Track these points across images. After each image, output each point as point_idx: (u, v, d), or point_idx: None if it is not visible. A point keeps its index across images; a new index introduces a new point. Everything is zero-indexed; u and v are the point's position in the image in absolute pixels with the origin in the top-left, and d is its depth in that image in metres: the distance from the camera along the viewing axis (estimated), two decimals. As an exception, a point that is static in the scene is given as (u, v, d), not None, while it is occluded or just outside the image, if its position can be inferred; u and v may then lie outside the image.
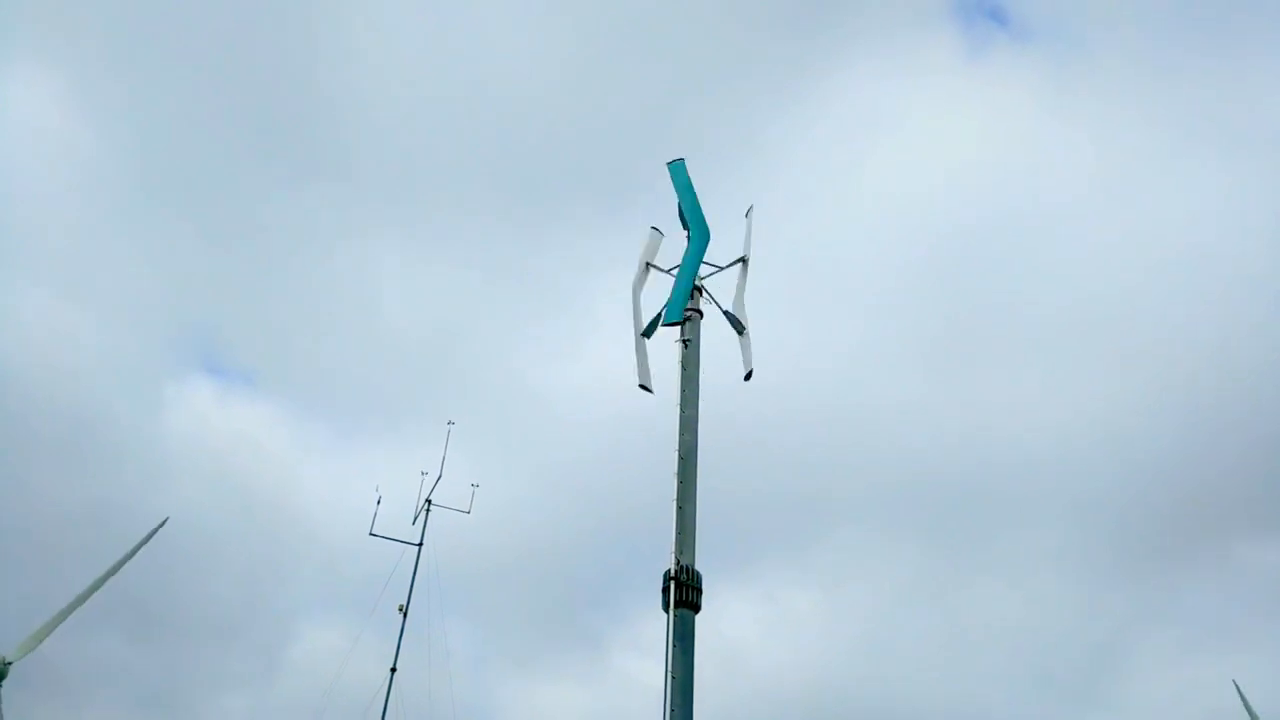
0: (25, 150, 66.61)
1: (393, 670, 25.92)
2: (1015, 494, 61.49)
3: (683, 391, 14.36)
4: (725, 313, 15.53)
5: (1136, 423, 59.54)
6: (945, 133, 74.22)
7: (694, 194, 16.13)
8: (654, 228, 16.58)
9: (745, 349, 15.19)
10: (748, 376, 15.05)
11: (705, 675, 12.47)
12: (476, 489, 29.72)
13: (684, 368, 14.61)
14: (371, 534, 28.22)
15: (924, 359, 66.30)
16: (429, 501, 29.19)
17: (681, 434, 13.91)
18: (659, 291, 15.94)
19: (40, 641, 24.51)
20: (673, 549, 12.93)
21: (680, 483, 13.43)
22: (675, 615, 12.50)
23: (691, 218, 15.92)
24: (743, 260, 16.00)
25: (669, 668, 12.21)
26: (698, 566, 12.95)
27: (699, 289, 15.65)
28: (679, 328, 14.99)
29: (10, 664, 23.37)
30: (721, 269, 15.96)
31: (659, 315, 15.41)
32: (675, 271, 15.82)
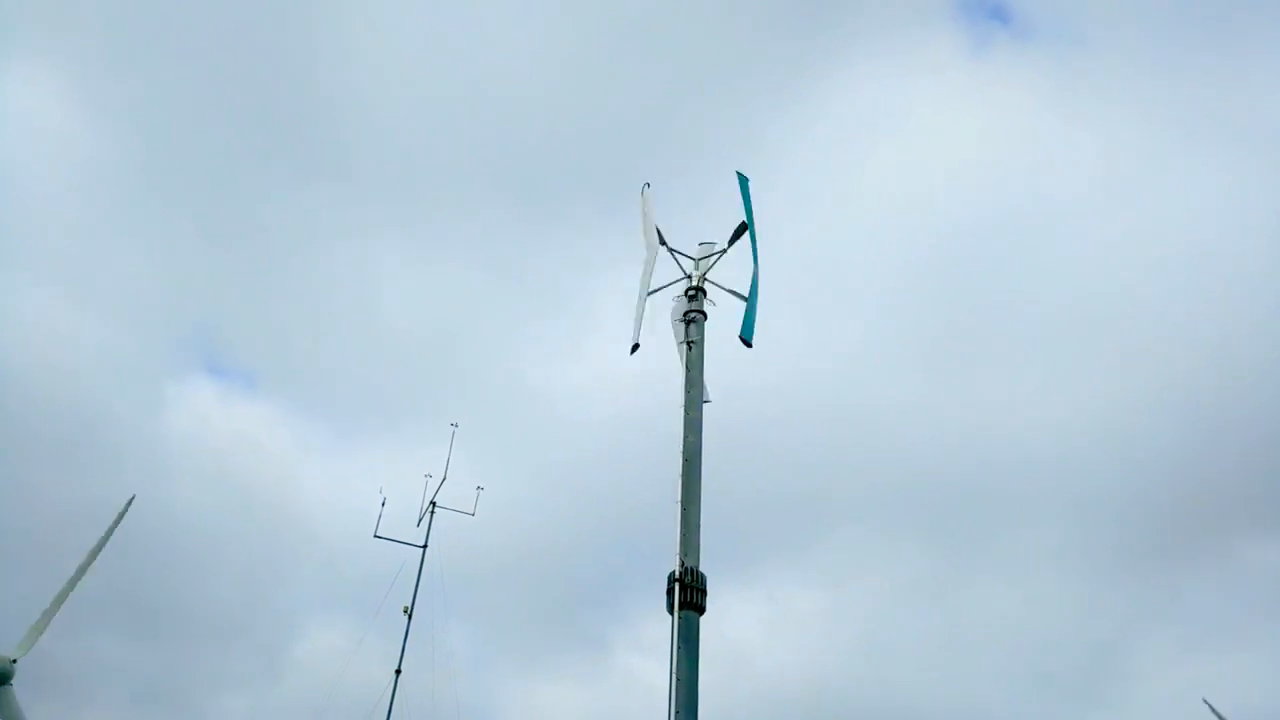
0: (25, 150, 66.64)
1: (398, 672, 25.93)
2: (1016, 493, 61.55)
3: (687, 393, 14.38)
4: (731, 291, 15.48)
5: (1137, 421, 59.60)
6: (946, 132, 74.27)
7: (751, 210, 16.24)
8: (646, 184, 16.90)
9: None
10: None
11: (708, 676, 12.49)
12: (481, 491, 29.75)
13: (688, 370, 14.63)
14: (376, 536, 28.26)
15: (924, 358, 66.35)
16: (434, 504, 29.22)
17: (686, 435, 13.93)
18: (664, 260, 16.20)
19: (40, 634, 24.53)
20: (677, 550, 12.96)
21: (684, 484, 13.46)
22: (680, 616, 12.51)
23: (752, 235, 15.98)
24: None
25: (674, 668, 12.22)
26: (701, 568, 12.98)
27: (701, 290, 15.65)
28: (685, 328, 15.03)
29: (15, 661, 23.40)
30: (724, 251, 15.97)
31: (658, 289, 15.50)
32: (680, 255, 15.98)
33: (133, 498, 26.57)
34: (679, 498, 13.39)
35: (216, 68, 70.15)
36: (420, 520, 29.02)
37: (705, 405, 14.44)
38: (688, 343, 14.90)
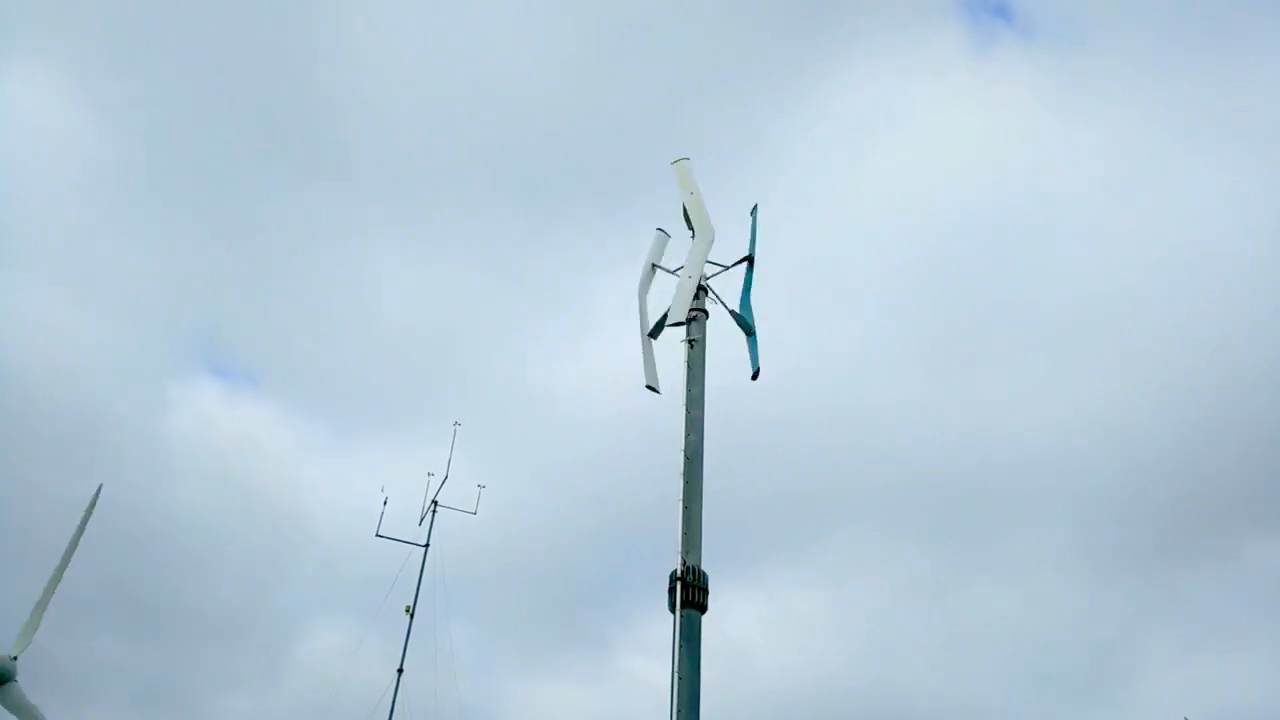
0: (26, 150, 66.66)
1: (399, 671, 25.96)
2: (1016, 493, 61.50)
3: (689, 392, 14.36)
4: (732, 313, 15.52)
5: (1137, 421, 59.56)
6: (948, 131, 74.25)
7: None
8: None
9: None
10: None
11: (710, 675, 12.48)
12: (483, 490, 29.76)
13: (690, 368, 14.61)
14: (378, 535, 28.27)
15: (925, 358, 66.31)
16: (435, 503, 29.24)
17: (688, 434, 13.92)
18: (664, 292, 15.98)
19: (35, 630, 24.52)
20: (679, 549, 12.95)
21: (686, 483, 13.44)
22: (682, 616, 12.50)
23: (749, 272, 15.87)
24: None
25: (675, 668, 12.22)
26: (703, 567, 12.97)
27: (704, 289, 15.65)
28: (685, 328, 14.99)
29: (16, 659, 23.39)
30: (726, 268, 15.97)
31: (664, 316, 15.43)
32: (680, 272, 15.86)
33: (100, 487, 26.43)
34: (681, 497, 13.39)
35: (217, 68, 70.22)
36: (422, 519, 29.06)
37: (722, 393, 14.54)
38: (689, 340, 14.90)
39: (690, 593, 12.60)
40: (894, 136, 74.91)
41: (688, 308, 15.10)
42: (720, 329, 15.46)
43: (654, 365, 14.95)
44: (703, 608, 12.66)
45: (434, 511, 29.07)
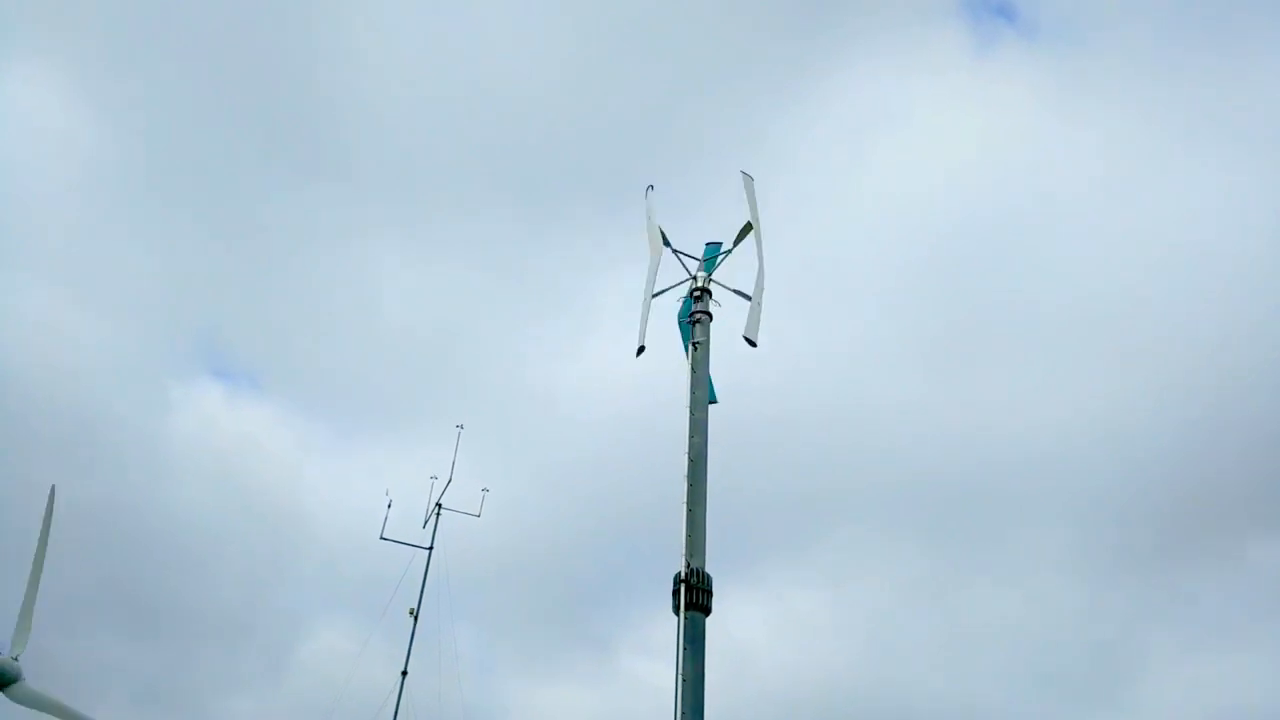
0: (26, 149, 66.63)
1: (404, 674, 26.00)
2: (1017, 493, 61.50)
3: (692, 394, 14.38)
4: (736, 292, 15.48)
5: (1138, 421, 59.56)
6: (948, 131, 74.18)
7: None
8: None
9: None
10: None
11: (714, 677, 12.49)
12: (487, 493, 29.79)
13: (694, 370, 14.64)
14: (382, 538, 28.31)
15: (925, 358, 66.30)
16: (439, 506, 29.26)
17: (691, 437, 13.94)
18: (667, 262, 16.20)
19: (28, 629, 24.49)
20: (683, 551, 12.97)
21: (690, 485, 13.47)
22: (685, 618, 12.52)
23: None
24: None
25: (679, 670, 12.23)
26: (707, 568, 12.99)
27: (707, 291, 15.67)
28: (691, 328, 15.05)
29: (18, 658, 23.41)
30: (729, 251, 16.01)
31: (664, 290, 15.53)
32: (685, 256, 16.03)
33: (53, 488, 26.29)
34: (685, 499, 13.41)
35: (217, 68, 70.18)
36: (426, 522, 29.08)
37: (711, 406, 14.47)
38: (693, 343, 14.92)
39: (694, 595, 12.61)
40: (894, 136, 74.95)
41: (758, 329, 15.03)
42: (722, 333, 15.49)
43: (645, 326, 15.05)
44: (706, 610, 12.67)
45: (438, 515, 29.11)
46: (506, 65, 72.29)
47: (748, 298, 15.21)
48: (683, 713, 11.91)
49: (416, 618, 26.89)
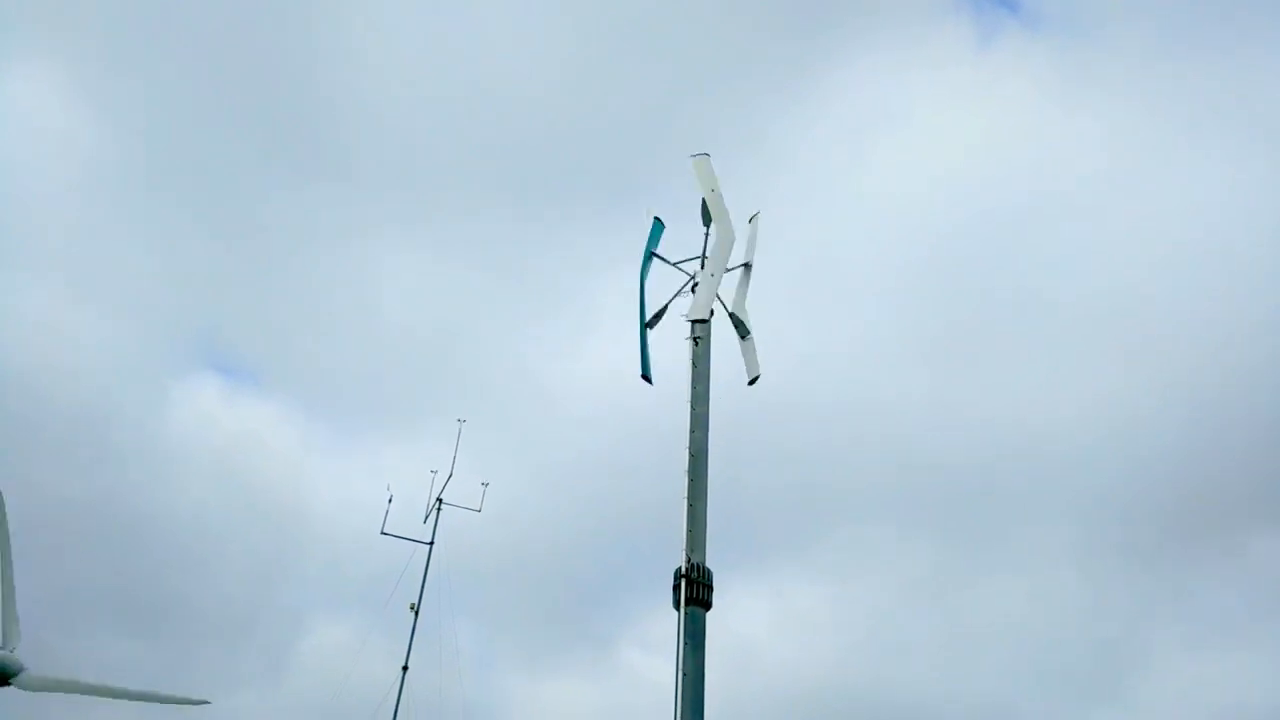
0: (26, 149, 66.62)
1: (404, 669, 26.01)
2: (1021, 490, 61.40)
3: (694, 389, 14.38)
4: (730, 315, 15.58)
5: (1142, 417, 59.43)
6: (950, 126, 74.03)
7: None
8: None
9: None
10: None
11: (715, 672, 12.48)
12: (487, 488, 29.75)
13: (694, 365, 14.63)
14: (383, 533, 28.28)
15: (928, 355, 66.15)
16: (440, 500, 29.23)
17: (693, 431, 13.94)
18: (663, 283, 16.07)
19: (15, 623, 24.46)
20: (684, 546, 12.95)
21: (691, 480, 13.46)
22: (686, 613, 12.51)
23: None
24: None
25: (680, 665, 12.22)
26: (708, 564, 12.97)
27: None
28: (692, 325, 15.03)
29: (14, 651, 23.40)
30: (727, 270, 15.99)
31: (664, 308, 15.49)
32: (683, 265, 15.96)
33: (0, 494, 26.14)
34: (686, 494, 13.38)
35: (217, 67, 70.14)
36: (427, 517, 29.07)
37: (726, 390, 14.62)
38: (694, 338, 14.92)
39: (695, 590, 12.60)
40: (896, 133, 74.83)
41: (709, 307, 15.12)
42: (724, 328, 15.52)
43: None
44: (707, 605, 12.67)
45: (438, 509, 29.08)
46: (506, 65, 72.28)
47: (737, 324, 15.29)
48: (683, 708, 11.90)
49: (417, 613, 26.88)
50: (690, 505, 13.27)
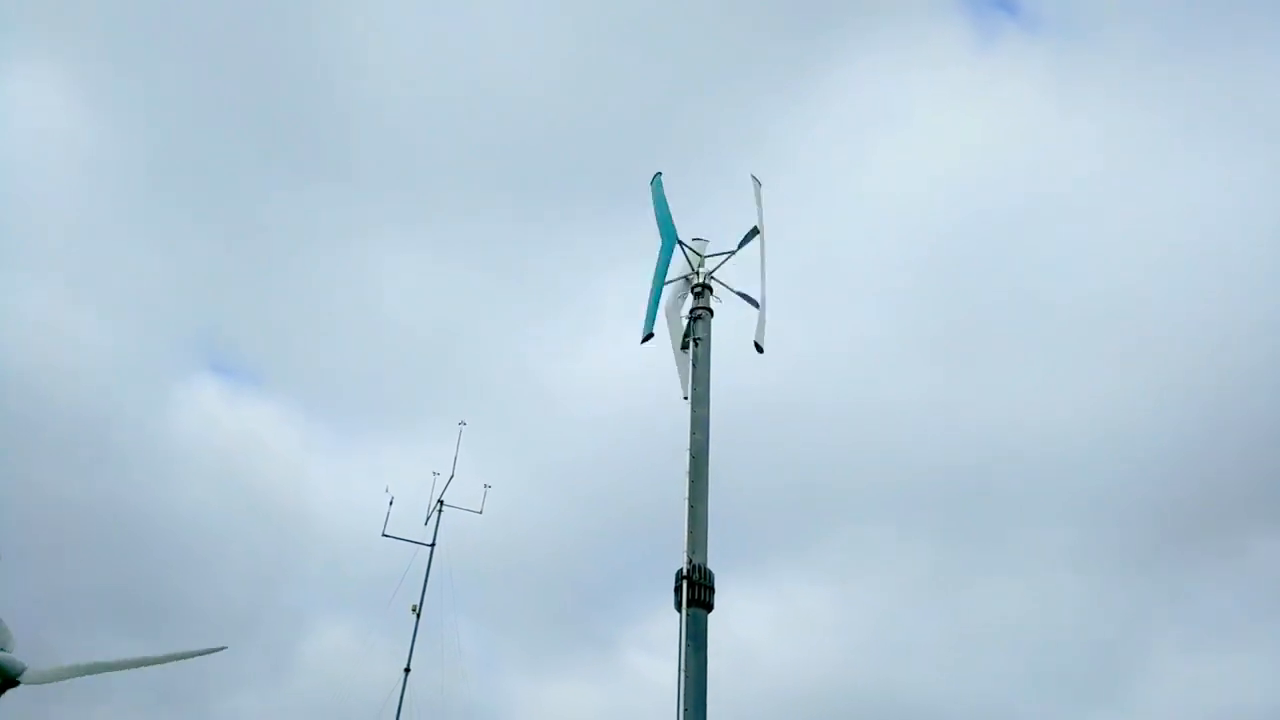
0: (26, 149, 66.62)
1: (406, 670, 26.05)
2: (1019, 491, 61.43)
3: (694, 390, 14.41)
4: (740, 294, 15.55)
5: (1139, 420, 59.50)
6: (949, 127, 74.05)
7: (666, 205, 16.45)
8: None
9: (761, 322, 15.11)
10: (759, 349, 14.94)
11: (717, 673, 12.48)
12: (489, 489, 29.81)
13: (695, 367, 14.66)
14: (385, 535, 28.33)
15: (930, 356, 66.20)
16: (441, 502, 29.29)
17: (693, 433, 13.95)
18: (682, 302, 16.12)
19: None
20: (685, 548, 12.97)
21: (692, 482, 13.48)
22: (688, 614, 12.53)
23: (662, 228, 16.21)
24: (754, 231, 16.01)
25: (682, 667, 12.23)
26: (709, 565, 12.99)
27: (708, 287, 15.72)
28: (692, 325, 15.07)
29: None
30: (733, 252, 16.06)
31: (688, 328, 15.54)
32: (688, 249, 16.13)
33: None
34: (687, 496, 13.41)
35: (217, 67, 70.17)
36: (428, 519, 29.12)
37: (728, 391, 14.62)
38: (694, 339, 14.95)
39: (696, 591, 12.62)
40: (895, 133, 74.88)
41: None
42: (723, 329, 15.53)
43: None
44: (709, 606, 12.68)
45: (440, 511, 29.14)
46: (506, 65, 72.31)
47: (752, 302, 15.30)
48: (685, 709, 11.91)
49: (419, 614, 26.94)
50: (691, 507, 13.29)
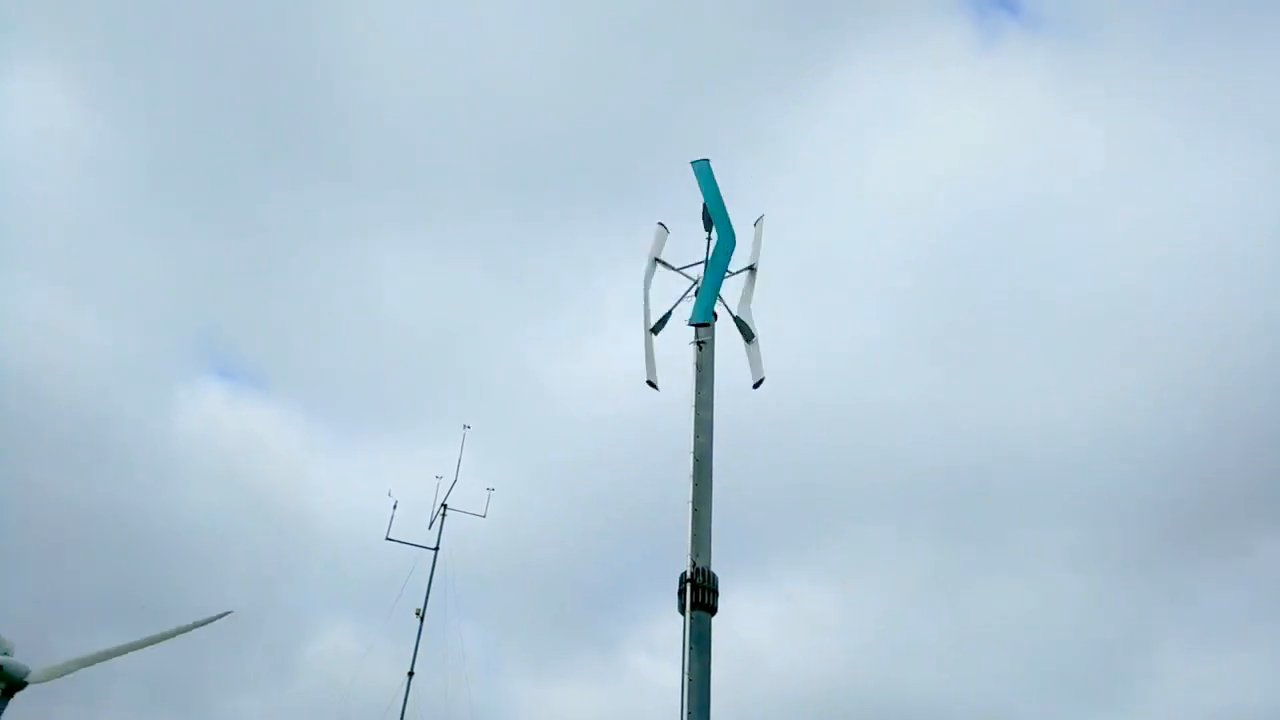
0: (27, 149, 66.66)
1: (410, 674, 26.04)
2: (1021, 491, 61.45)
3: (698, 393, 14.40)
4: (735, 319, 15.64)
5: (1140, 420, 59.52)
6: (950, 127, 74.05)
7: (719, 195, 16.24)
8: (660, 224, 16.76)
9: (754, 357, 15.24)
10: (757, 385, 15.12)
11: (720, 675, 12.50)
12: (492, 493, 29.78)
13: (699, 369, 14.66)
14: (388, 539, 28.29)
15: (932, 355, 66.22)
16: (445, 506, 29.26)
17: (697, 436, 13.95)
18: (666, 288, 16.11)
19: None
20: (688, 551, 12.98)
21: (695, 485, 13.47)
22: (691, 617, 12.55)
23: (717, 219, 16.04)
24: (750, 269, 16.09)
25: (685, 670, 12.25)
26: (712, 568, 13.00)
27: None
28: (695, 329, 15.08)
29: (28, 682, 23.32)
30: (732, 274, 16.05)
31: (668, 313, 15.58)
32: (687, 270, 16.03)
33: None
34: (690, 498, 13.42)
35: (217, 68, 70.19)
36: (431, 523, 29.09)
37: (730, 393, 14.66)
38: (698, 343, 14.95)
39: (699, 594, 12.63)
40: (896, 133, 74.91)
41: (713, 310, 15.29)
42: (727, 333, 15.57)
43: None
44: (712, 609, 12.68)
45: (443, 515, 29.12)
46: (506, 65, 72.33)
47: (747, 334, 15.37)
48: (689, 712, 11.93)
49: (422, 618, 26.93)
50: (695, 509, 13.28)
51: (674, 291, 16.02)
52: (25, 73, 66.21)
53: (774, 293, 16.28)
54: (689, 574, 12.77)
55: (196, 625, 23.60)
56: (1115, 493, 58.70)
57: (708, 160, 16.66)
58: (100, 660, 23.42)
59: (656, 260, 16.16)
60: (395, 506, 28.55)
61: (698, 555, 12.93)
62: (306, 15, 72.20)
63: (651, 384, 14.96)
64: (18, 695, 22.99)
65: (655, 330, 15.42)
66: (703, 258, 16.25)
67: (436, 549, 28.43)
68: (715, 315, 15.37)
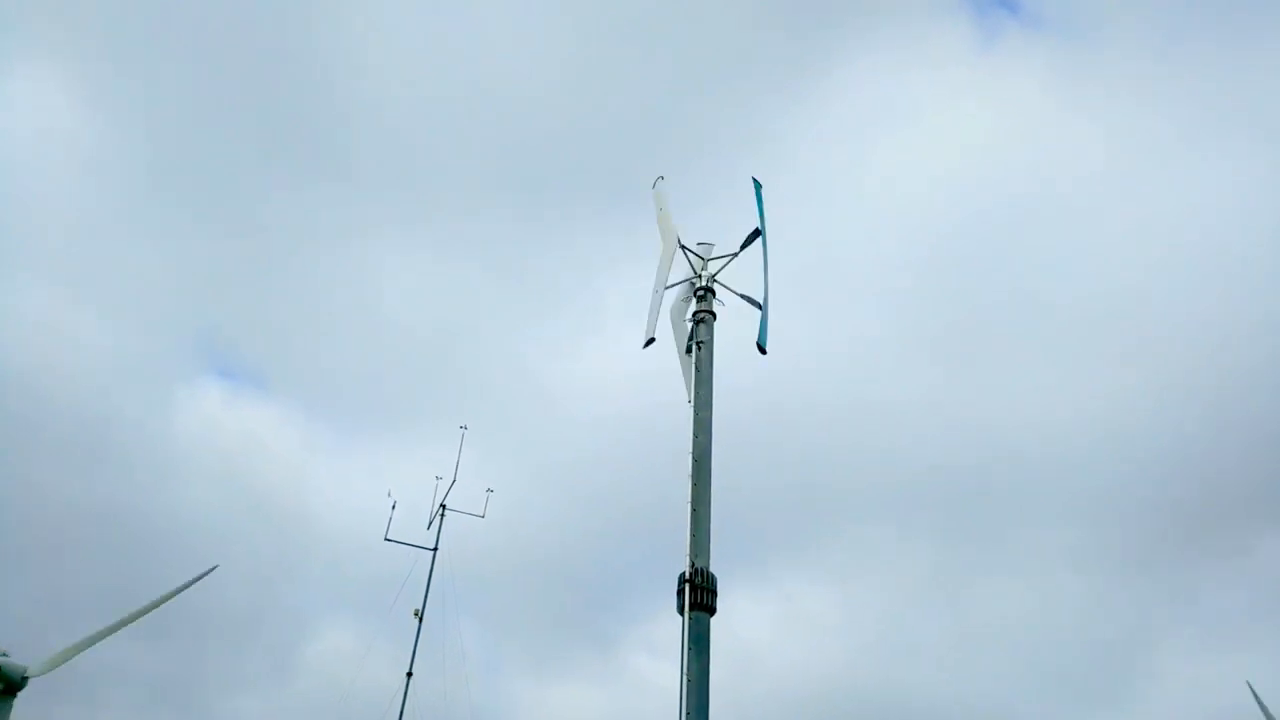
0: (27, 149, 66.67)
1: (409, 675, 26.05)
2: (1022, 491, 61.47)
3: (696, 394, 14.38)
4: (743, 296, 15.55)
5: (1140, 420, 59.53)
6: (950, 126, 74.09)
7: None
8: (660, 177, 16.98)
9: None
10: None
11: (719, 675, 12.49)
12: (491, 494, 29.81)
13: (698, 370, 14.64)
14: (387, 539, 28.33)
15: (932, 355, 66.26)
16: (444, 506, 29.29)
17: (696, 436, 13.93)
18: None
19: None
20: (687, 551, 12.97)
21: (695, 485, 13.45)
22: (690, 618, 12.53)
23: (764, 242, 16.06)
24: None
25: (684, 670, 12.24)
26: (711, 567, 12.99)
27: (710, 290, 15.70)
28: (694, 329, 15.07)
29: (28, 678, 23.34)
30: (736, 255, 16.02)
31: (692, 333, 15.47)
32: (690, 253, 16.08)
33: None
34: (689, 498, 13.41)
35: (217, 68, 70.22)
36: (430, 523, 29.12)
37: (729, 393, 14.60)
38: (697, 343, 14.92)
39: (698, 594, 12.61)
40: (896, 132, 74.94)
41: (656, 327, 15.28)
42: (725, 332, 15.52)
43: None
44: (711, 609, 12.66)
45: (442, 515, 29.15)
46: (506, 65, 72.36)
47: (755, 304, 15.27)
48: (688, 712, 11.91)
49: (421, 619, 26.94)
50: (694, 510, 13.26)
51: (679, 269, 16.11)
52: (25, 73, 66.26)
53: (774, 293, 16.25)
54: (688, 574, 12.75)
55: (180, 590, 23.68)
56: (1115, 493, 58.72)
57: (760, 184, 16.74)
58: (97, 640, 23.44)
59: (688, 282, 16.09)
60: (394, 506, 28.64)
61: (697, 556, 12.91)
62: (306, 15, 72.24)
63: (692, 404, 14.58)
64: (20, 695, 22.96)
65: (689, 351, 15.25)
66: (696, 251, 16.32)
67: (435, 549, 28.47)
68: (714, 314, 15.35)
